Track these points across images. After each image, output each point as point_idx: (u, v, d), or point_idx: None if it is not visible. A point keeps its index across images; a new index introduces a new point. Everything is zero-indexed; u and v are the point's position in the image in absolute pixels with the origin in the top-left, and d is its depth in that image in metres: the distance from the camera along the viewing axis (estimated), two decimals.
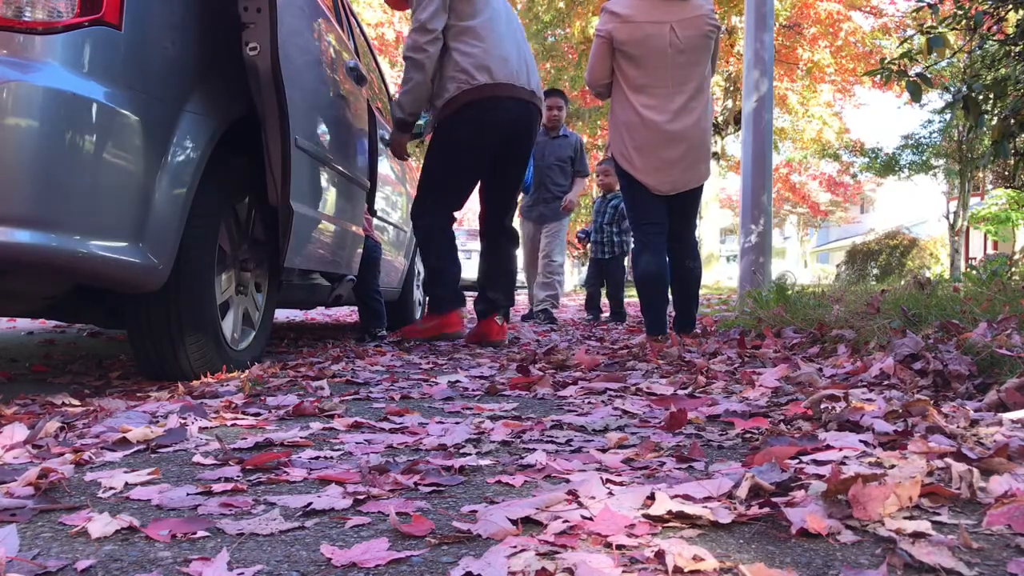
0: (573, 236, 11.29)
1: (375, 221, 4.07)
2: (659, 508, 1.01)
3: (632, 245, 6.13)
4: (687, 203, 3.69)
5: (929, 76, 4.05)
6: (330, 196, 3.18)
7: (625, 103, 3.52)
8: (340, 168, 3.27)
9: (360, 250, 3.75)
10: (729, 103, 17.25)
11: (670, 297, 3.83)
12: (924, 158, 20.28)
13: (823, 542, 0.93)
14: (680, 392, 2.08)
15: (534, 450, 1.41)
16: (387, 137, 4.30)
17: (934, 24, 4.02)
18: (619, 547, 0.90)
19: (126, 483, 1.20)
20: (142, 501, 1.12)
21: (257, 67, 2.37)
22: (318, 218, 2.97)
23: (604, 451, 1.41)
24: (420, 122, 4.64)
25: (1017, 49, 4.18)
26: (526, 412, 1.86)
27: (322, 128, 3.01)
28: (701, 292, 4.18)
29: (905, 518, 0.98)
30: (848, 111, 31.78)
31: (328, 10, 3.40)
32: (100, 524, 0.99)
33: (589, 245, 6.35)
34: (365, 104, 3.80)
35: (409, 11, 3.50)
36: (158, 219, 2.07)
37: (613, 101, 3.62)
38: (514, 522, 0.98)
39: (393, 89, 5.05)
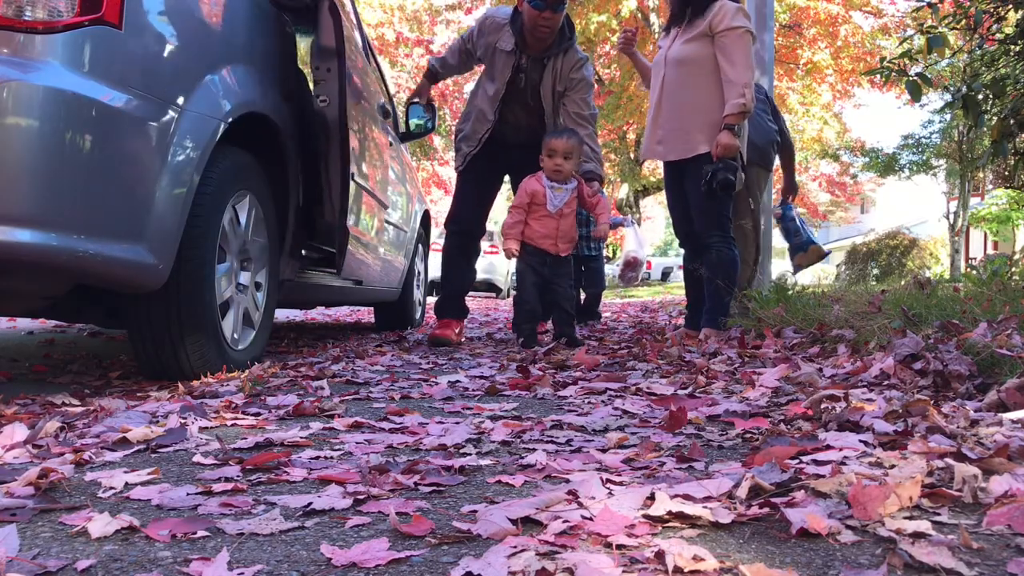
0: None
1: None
2: (659, 508, 1.01)
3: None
4: None
5: (929, 76, 4.04)
6: (371, 218, 3.62)
7: None
8: (377, 196, 3.78)
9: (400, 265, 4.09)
10: None
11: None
12: (924, 158, 20.26)
13: (823, 542, 0.93)
14: (680, 392, 2.08)
15: (534, 450, 1.41)
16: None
17: (934, 24, 4.02)
18: (619, 547, 0.90)
19: (126, 483, 1.20)
20: (142, 501, 1.12)
21: (326, 116, 2.85)
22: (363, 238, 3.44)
23: (604, 451, 1.41)
24: (419, 122, 4.64)
25: (1017, 48, 4.18)
26: (526, 412, 1.86)
27: (366, 162, 3.52)
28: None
29: (905, 518, 0.98)
30: (848, 111, 31.79)
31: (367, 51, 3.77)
32: (100, 524, 0.99)
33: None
34: (388, 136, 4.16)
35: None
36: (158, 219, 2.07)
37: None
38: (514, 522, 0.98)
39: (393, 89, 5.05)
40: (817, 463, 1.21)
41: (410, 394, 2.14)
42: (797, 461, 1.22)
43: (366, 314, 7.36)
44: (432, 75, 4.04)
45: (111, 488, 1.17)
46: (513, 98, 3.68)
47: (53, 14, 1.81)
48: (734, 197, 3.61)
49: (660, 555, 0.86)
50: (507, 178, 4.06)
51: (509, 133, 3.75)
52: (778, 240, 5.94)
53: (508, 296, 16.21)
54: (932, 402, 1.54)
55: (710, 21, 3.29)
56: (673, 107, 3.42)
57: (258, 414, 1.81)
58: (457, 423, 1.69)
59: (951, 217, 18.56)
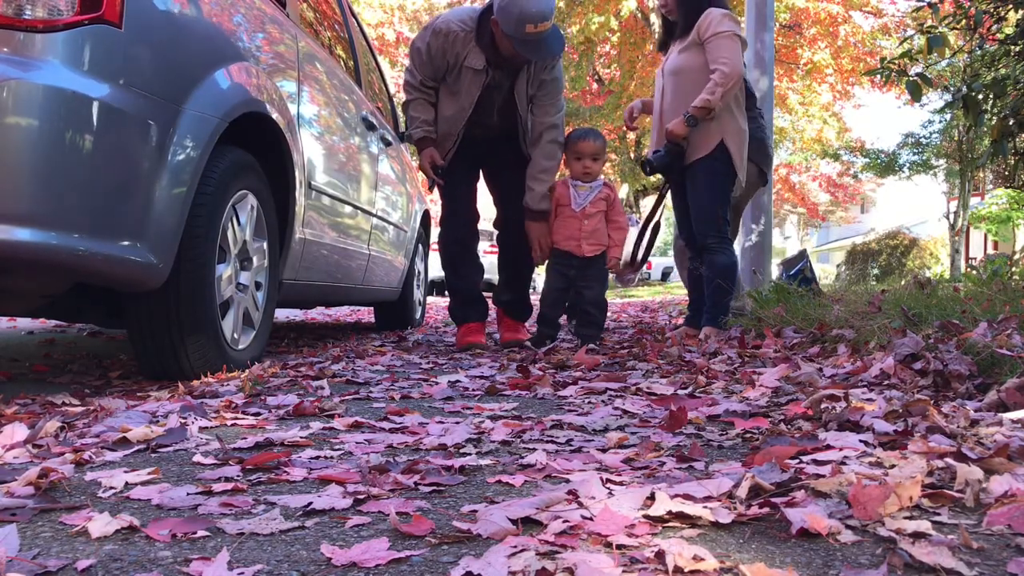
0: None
1: (375, 221, 4.07)
2: (659, 508, 1.01)
3: None
4: None
5: (929, 76, 4.04)
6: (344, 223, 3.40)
7: (743, 114, 3.44)
8: (352, 202, 3.67)
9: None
10: None
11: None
12: (924, 158, 20.27)
13: (823, 542, 0.93)
14: (680, 392, 2.08)
15: (534, 450, 1.41)
16: (387, 138, 4.33)
17: (934, 24, 4.02)
18: (619, 547, 0.90)
19: (126, 483, 1.20)
20: (142, 501, 1.12)
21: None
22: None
23: (604, 451, 1.41)
24: None
25: (1017, 48, 4.18)
26: (526, 412, 1.86)
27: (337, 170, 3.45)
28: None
29: (905, 518, 0.98)
30: (848, 111, 31.82)
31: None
32: (100, 524, 0.99)
33: None
34: (374, 143, 4.09)
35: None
36: (158, 218, 2.07)
37: (735, 110, 3.41)
38: (514, 522, 0.98)
39: (393, 89, 5.06)
40: (817, 463, 1.21)
41: (410, 394, 2.14)
42: (797, 461, 1.22)
43: (366, 314, 7.36)
44: (431, 140, 3.48)
45: (111, 488, 1.17)
46: (483, 109, 3.42)
47: (53, 13, 1.81)
48: (732, 202, 3.62)
49: (660, 555, 0.86)
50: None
51: (480, 134, 3.51)
52: (778, 240, 5.93)
53: None
54: (932, 402, 1.54)
55: (697, 29, 3.32)
56: (672, 117, 3.44)
57: (258, 414, 1.81)
58: (457, 423, 1.69)
59: (951, 217, 18.56)
